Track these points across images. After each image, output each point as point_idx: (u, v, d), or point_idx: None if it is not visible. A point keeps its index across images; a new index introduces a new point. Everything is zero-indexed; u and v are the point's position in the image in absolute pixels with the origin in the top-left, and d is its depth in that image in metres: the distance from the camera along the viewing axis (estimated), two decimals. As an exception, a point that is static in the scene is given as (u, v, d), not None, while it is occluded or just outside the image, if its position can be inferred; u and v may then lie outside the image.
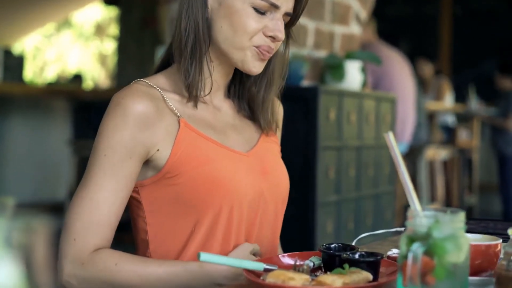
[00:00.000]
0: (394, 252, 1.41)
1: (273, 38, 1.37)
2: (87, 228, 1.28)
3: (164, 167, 1.34)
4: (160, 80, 1.41)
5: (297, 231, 2.89)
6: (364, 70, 3.36)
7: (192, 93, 1.38)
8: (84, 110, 5.31)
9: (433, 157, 5.36)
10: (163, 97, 1.37)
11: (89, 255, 1.28)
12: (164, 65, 1.46)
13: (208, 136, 1.39)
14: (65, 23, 12.88)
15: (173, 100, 1.38)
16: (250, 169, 1.41)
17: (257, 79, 1.47)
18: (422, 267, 0.96)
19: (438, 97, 6.66)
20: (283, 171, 1.51)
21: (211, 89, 1.41)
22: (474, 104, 6.46)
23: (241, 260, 1.19)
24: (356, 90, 3.28)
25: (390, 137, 1.06)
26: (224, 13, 1.37)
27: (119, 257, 1.29)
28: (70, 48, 13.56)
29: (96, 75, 13.08)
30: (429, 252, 0.97)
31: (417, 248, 0.96)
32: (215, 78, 1.43)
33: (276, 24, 1.37)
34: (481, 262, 1.24)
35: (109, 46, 12.82)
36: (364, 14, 3.84)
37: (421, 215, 0.99)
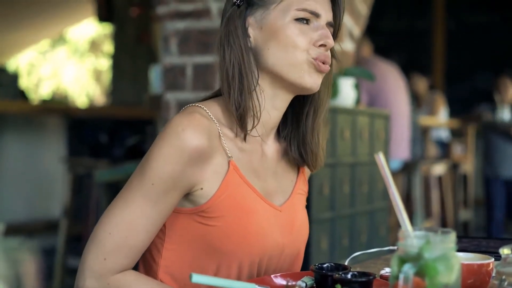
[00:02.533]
0: (387, 271, 1.41)
1: (325, 46, 1.34)
2: (120, 250, 1.27)
3: (203, 205, 1.31)
4: (216, 109, 1.35)
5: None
6: (357, 86, 3.37)
7: (243, 124, 1.33)
8: (78, 128, 5.31)
9: (428, 172, 5.36)
10: (219, 133, 1.33)
11: (115, 275, 1.27)
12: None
13: (252, 185, 1.35)
14: (60, 40, 12.90)
15: (227, 137, 1.34)
16: (280, 225, 1.38)
17: (306, 104, 1.42)
18: (413, 288, 0.96)
19: (432, 112, 6.67)
20: (306, 224, 1.47)
21: (255, 123, 1.35)
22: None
23: (232, 281, 1.18)
24: (350, 106, 3.28)
25: (380, 157, 1.06)
26: (268, 36, 1.33)
27: (145, 283, 1.29)
28: (65, 64, 13.57)
29: (91, 91, 13.08)
30: (420, 272, 0.97)
31: (408, 269, 0.96)
32: (268, 118, 1.37)
33: (322, 32, 1.33)
34: (473, 282, 1.24)
35: (104, 63, 12.84)
36: (357, 30, 3.85)
37: (412, 236, 0.99)
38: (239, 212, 1.31)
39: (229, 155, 1.33)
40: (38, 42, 8.77)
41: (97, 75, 13.31)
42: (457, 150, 6.62)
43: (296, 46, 1.32)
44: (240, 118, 1.33)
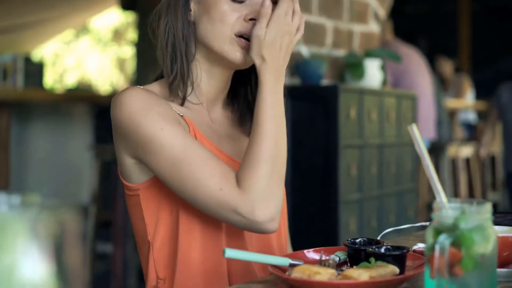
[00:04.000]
0: (419, 246, 1.40)
1: (255, 20, 1.35)
2: (222, 170, 1.26)
3: None
4: (155, 88, 1.41)
5: (320, 230, 2.88)
6: (383, 68, 3.35)
7: (173, 89, 1.38)
8: (104, 115, 5.33)
9: (456, 154, 5.32)
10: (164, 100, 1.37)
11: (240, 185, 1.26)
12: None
13: (211, 141, 1.38)
14: (83, 29, 12.96)
15: (173, 104, 1.39)
16: None
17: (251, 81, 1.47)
18: (449, 259, 0.95)
19: (459, 94, 6.61)
20: None
21: (188, 92, 1.40)
22: None
23: (267, 256, 1.18)
24: (376, 88, 3.26)
25: (414, 129, 1.05)
26: (203, 9, 1.38)
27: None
28: (89, 54, 13.64)
29: (114, 80, 13.14)
30: (456, 243, 0.96)
31: (444, 239, 0.95)
32: (208, 88, 1.42)
33: (253, 7, 1.36)
34: (509, 254, 1.23)
35: (127, 51, 12.88)
36: (382, 12, 3.82)
37: (447, 207, 0.98)
38: None
39: (181, 114, 1.37)
40: (62, 32, 8.82)
41: (121, 64, 13.36)
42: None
43: (223, 21, 1.35)
44: (171, 84, 1.37)
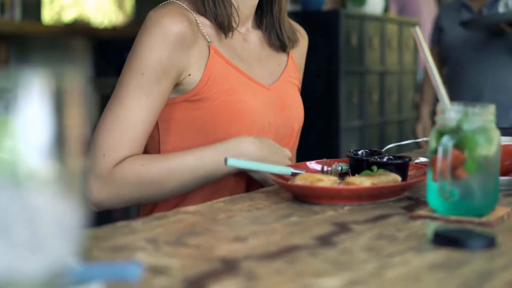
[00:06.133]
0: (421, 160, 1.40)
1: None
2: (119, 143, 1.28)
3: (192, 90, 1.34)
4: (192, 3, 1.39)
5: (321, 157, 2.88)
6: (385, -6, 3.30)
7: (223, 25, 1.37)
8: (103, 49, 5.30)
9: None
10: (196, 21, 1.36)
11: (117, 166, 1.28)
12: None
13: (236, 65, 1.38)
14: (81, -34, 12.76)
15: (205, 25, 1.38)
16: (270, 103, 1.41)
17: None
18: (452, 161, 0.95)
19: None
20: (300, 106, 1.51)
21: (238, 19, 1.40)
22: None
23: (269, 165, 1.18)
24: (378, 14, 3.22)
25: (417, 31, 1.03)
26: None
27: (143, 158, 1.29)
28: (87, -9, 13.46)
29: (113, 18, 13.01)
30: (459, 145, 0.95)
31: (447, 141, 0.94)
32: (241, 9, 1.41)
33: None
34: (510, 163, 1.22)
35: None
36: None
37: (450, 109, 0.97)
38: (224, 91, 1.34)
39: (208, 40, 1.36)
40: (59, -33, 8.68)
41: (120, 1, 13.21)
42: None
43: None
44: (216, 17, 1.37)
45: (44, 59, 5.10)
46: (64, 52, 5.27)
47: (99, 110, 4.28)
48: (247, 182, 1.38)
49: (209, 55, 1.35)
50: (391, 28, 3.29)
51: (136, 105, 1.29)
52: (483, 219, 0.94)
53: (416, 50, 3.54)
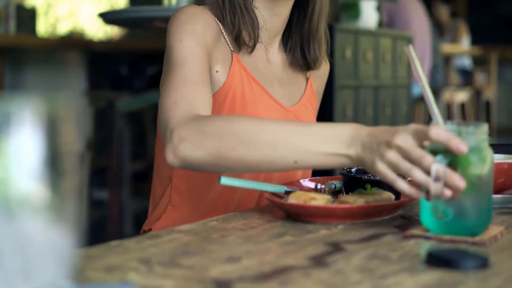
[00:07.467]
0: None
1: None
2: (187, 92, 1.20)
3: (216, 93, 1.30)
4: (216, 11, 1.36)
5: (317, 173, 2.88)
6: (379, 8, 3.32)
7: (238, 38, 1.34)
8: (98, 61, 5.30)
9: (451, 99, 5.31)
10: (220, 28, 1.34)
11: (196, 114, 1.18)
12: None
13: (257, 80, 1.36)
14: (76, -22, 12.77)
15: (228, 35, 1.35)
16: None
17: (307, 5, 1.41)
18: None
19: (455, 39, 6.57)
20: None
21: (256, 36, 1.36)
22: None
23: (262, 183, 1.18)
24: (372, 28, 3.23)
25: (410, 50, 1.04)
26: None
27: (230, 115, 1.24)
28: (82, 3, 13.48)
29: (108, 30, 13.01)
30: (452, 164, 0.95)
31: (440, 160, 0.95)
32: (269, 27, 1.38)
33: None
34: (504, 181, 1.23)
35: (121, 1, 12.73)
36: (378, -48, 3.77)
37: (443, 128, 0.98)
38: (244, 103, 1.31)
39: (231, 49, 1.34)
40: (54, -20, 8.69)
41: (114, 13, 13.19)
42: (479, 78, 6.54)
43: None
44: (236, 38, 1.34)
45: (38, 72, 5.10)
46: (59, 65, 5.27)
47: (94, 124, 4.28)
48: (238, 200, 1.37)
49: (232, 61, 1.33)
50: (385, 42, 3.31)
51: (191, 62, 1.24)
52: (477, 239, 0.94)
53: (409, 63, 3.56)
